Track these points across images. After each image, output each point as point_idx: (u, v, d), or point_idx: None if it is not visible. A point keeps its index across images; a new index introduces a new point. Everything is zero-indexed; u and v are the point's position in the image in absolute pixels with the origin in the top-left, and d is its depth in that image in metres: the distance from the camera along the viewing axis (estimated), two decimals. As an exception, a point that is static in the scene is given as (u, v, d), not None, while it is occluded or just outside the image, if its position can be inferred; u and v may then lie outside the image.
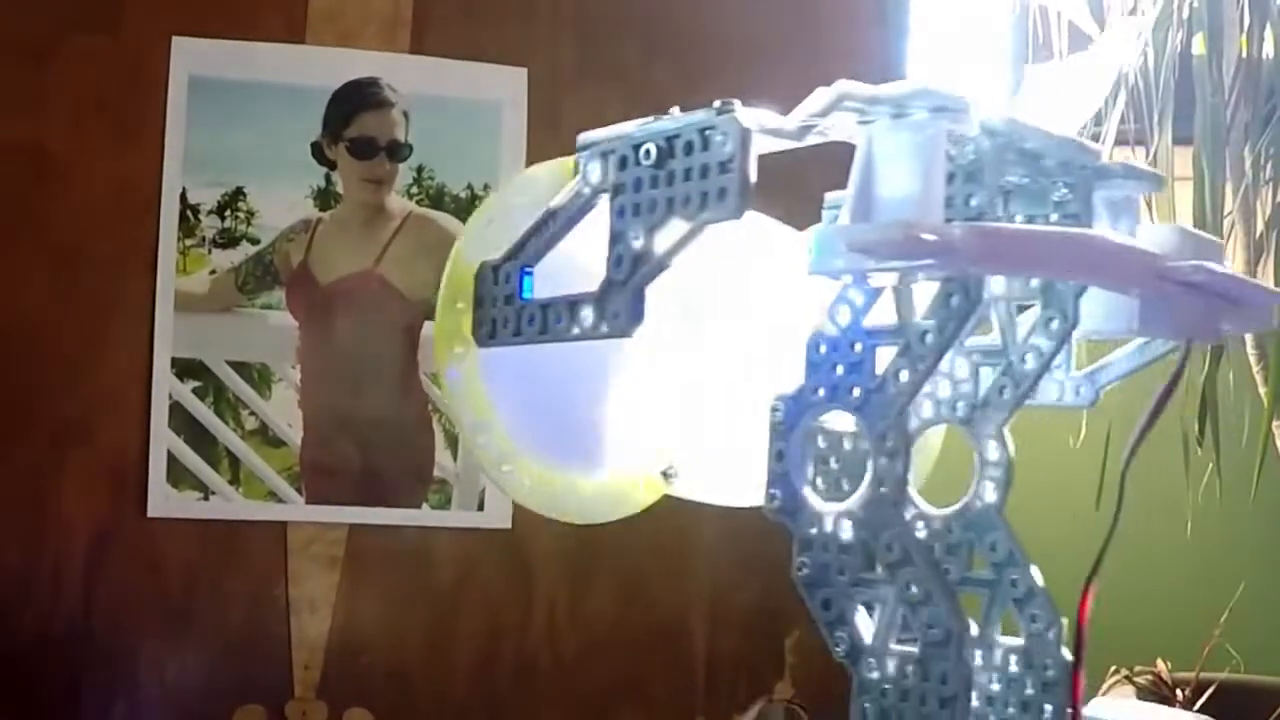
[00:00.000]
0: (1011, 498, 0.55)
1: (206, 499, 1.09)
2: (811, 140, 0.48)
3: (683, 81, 1.16)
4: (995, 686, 0.51)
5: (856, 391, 0.49)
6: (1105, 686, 1.13)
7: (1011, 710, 0.50)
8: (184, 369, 1.09)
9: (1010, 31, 1.41)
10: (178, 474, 1.09)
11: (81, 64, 1.07)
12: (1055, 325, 0.49)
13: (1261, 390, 1.09)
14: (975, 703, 0.50)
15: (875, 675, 0.49)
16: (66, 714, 1.07)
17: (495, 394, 0.59)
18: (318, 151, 1.11)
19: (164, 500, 1.08)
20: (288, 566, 1.10)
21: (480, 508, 1.13)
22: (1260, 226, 1.12)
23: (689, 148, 0.47)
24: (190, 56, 1.09)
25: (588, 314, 0.49)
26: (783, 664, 1.14)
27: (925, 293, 0.48)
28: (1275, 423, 1.08)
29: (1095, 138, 1.16)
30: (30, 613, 1.06)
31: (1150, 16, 1.12)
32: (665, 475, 0.61)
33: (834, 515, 0.49)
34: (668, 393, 0.62)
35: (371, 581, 1.12)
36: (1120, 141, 1.15)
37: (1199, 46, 1.09)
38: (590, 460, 0.60)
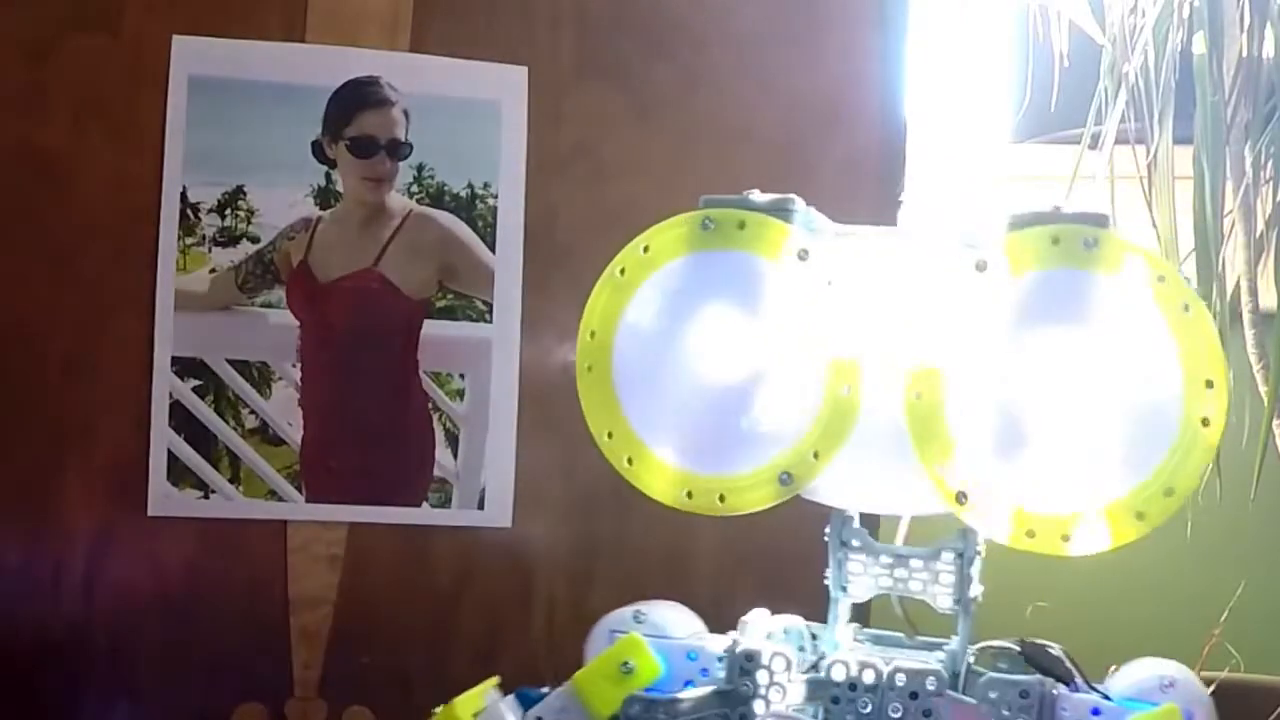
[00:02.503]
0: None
1: (207, 497, 1.09)
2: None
3: (683, 81, 1.16)
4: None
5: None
6: (1105, 686, 1.13)
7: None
8: (184, 367, 1.09)
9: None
10: (178, 472, 1.09)
11: (81, 64, 1.07)
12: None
13: (1262, 390, 1.09)
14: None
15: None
16: (66, 714, 1.07)
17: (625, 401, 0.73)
18: (318, 150, 1.11)
19: (164, 499, 1.08)
20: (288, 565, 1.10)
21: (480, 507, 1.13)
22: (1260, 226, 1.12)
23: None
24: (190, 56, 1.09)
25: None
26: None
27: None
28: (1275, 422, 1.08)
29: (1095, 137, 1.16)
30: (30, 612, 1.07)
31: (1150, 16, 1.12)
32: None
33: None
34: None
35: (371, 580, 1.12)
36: (1120, 141, 1.15)
37: (1199, 46, 1.08)
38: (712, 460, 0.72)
